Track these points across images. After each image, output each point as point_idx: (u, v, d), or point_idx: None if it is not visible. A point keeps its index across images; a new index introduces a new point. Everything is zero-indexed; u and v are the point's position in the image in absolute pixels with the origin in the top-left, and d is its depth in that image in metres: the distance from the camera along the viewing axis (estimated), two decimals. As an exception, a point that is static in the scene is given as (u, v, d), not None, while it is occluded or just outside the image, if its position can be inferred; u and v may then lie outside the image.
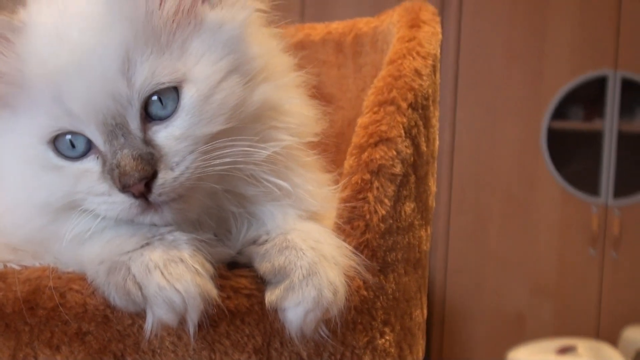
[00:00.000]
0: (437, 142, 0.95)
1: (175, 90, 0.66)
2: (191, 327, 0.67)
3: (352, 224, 0.79)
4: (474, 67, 3.25)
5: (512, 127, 3.25)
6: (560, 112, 3.23)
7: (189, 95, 0.67)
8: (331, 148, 0.84)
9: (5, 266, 0.71)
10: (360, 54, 1.09)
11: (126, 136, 0.65)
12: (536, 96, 3.24)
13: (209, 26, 0.69)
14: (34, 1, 0.70)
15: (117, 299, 0.67)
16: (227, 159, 0.69)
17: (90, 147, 0.67)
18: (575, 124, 3.31)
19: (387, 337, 0.83)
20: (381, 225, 0.80)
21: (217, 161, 0.68)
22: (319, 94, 0.84)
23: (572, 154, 3.34)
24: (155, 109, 0.66)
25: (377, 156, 0.81)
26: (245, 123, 0.71)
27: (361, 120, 0.84)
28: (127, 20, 0.65)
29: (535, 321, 3.30)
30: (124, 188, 0.65)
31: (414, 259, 0.88)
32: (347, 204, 0.79)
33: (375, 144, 0.82)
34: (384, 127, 0.82)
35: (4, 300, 0.66)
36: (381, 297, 0.81)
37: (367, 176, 0.80)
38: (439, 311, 3.36)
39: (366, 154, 0.81)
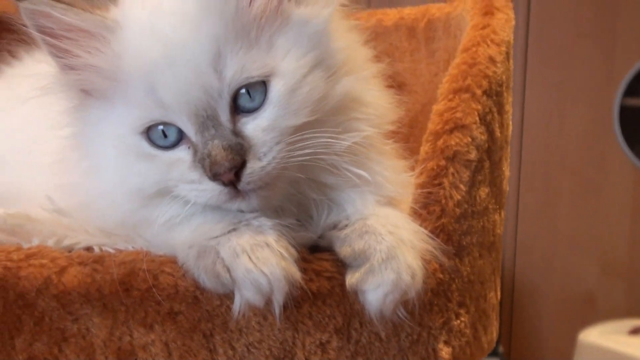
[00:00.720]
0: (510, 128, 0.97)
1: (263, 84, 0.69)
2: (277, 307, 0.71)
3: (428, 209, 0.81)
4: (543, 46, 3.19)
5: (582, 105, 3.18)
6: (633, 89, 3.17)
7: (276, 89, 0.70)
8: (406, 135, 0.87)
9: (100, 249, 0.75)
10: (433, 39, 1.11)
11: (217, 127, 0.69)
12: (608, 74, 3.15)
13: (295, 22, 0.71)
14: None
15: (206, 281, 0.71)
16: (310, 150, 0.72)
17: (181, 137, 0.71)
18: (647, 101, 3.24)
19: (463, 319, 0.85)
20: (456, 210, 0.83)
21: (301, 152, 0.71)
22: (392, 80, 0.86)
23: (644, 131, 3.27)
24: (244, 101, 0.70)
25: (453, 143, 0.83)
26: (328, 115, 0.74)
27: (436, 108, 0.86)
28: (218, 16, 0.68)
29: (606, 301, 3.22)
30: (215, 177, 0.69)
31: (488, 243, 0.91)
32: (423, 190, 0.82)
33: (451, 131, 0.84)
34: (459, 114, 0.85)
35: (101, 282, 0.70)
36: (457, 280, 0.84)
37: (443, 162, 0.83)
38: (508, 291, 3.32)
39: (441, 140, 0.84)
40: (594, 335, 2.80)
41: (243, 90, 0.69)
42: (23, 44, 0.79)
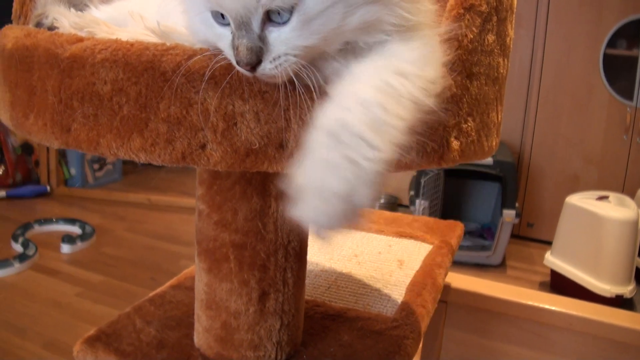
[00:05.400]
0: (515, 1, 0.81)
1: (292, 8, 0.55)
2: None
3: (449, 43, 0.68)
4: (558, 13, 3.18)
5: (581, 52, 3.17)
6: (612, 43, 3.07)
7: (296, 16, 0.55)
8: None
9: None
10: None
11: (248, 31, 0.56)
12: (597, 31, 3.11)
13: None
14: None
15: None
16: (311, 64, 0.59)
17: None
18: (621, 51, 3.08)
19: (470, 124, 0.73)
20: (469, 45, 0.70)
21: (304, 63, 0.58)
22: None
23: (618, 72, 3.14)
24: (274, 17, 0.56)
25: (470, -2, 0.70)
26: (344, 36, 0.59)
27: (461, -23, 0.72)
28: None
29: (585, 180, 3.26)
30: (238, 64, 0.57)
31: (493, 76, 0.77)
32: (446, 29, 0.69)
33: (470, -9, 0.70)
34: (476, -20, 0.71)
35: (214, 67, 0.61)
36: (466, 96, 0.71)
37: (462, 11, 0.69)
38: (526, 171, 3.47)
39: (462, -4, 0.70)
40: (575, 200, 2.81)
41: (274, 9, 0.55)
42: None
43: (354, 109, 0.54)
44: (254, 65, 0.57)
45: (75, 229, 3.12)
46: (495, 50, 0.76)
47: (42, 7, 0.88)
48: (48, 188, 3.71)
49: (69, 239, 2.91)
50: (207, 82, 0.60)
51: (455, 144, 0.71)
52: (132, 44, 0.62)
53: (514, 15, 0.82)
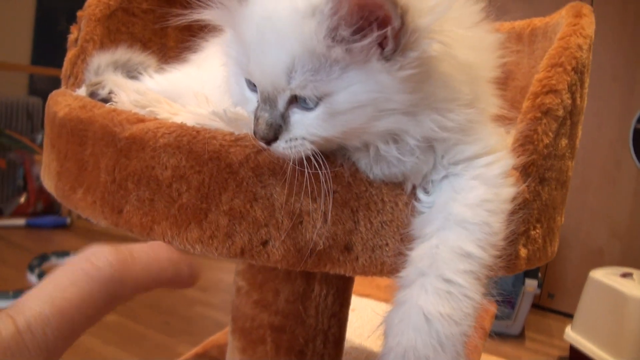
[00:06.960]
0: (585, 101, 0.78)
1: (321, 97, 0.53)
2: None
3: (524, 147, 0.65)
4: (590, 88, 3.15)
5: (611, 125, 3.11)
6: None
7: (322, 106, 0.53)
8: (508, 110, 0.69)
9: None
10: (534, 42, 0.93)
11: (272, 106, 0.55)
12: (628, 106, 3.07)
13: (371, 68, 0.50)
14: None
15: (381, 176, 0.59)
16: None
17: None
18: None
19: (538, 231, 0.69)
20: (544, 150, 0.66)
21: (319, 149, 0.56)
22: (502, 70, 0.70)
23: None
24: (301, 101, 0.54)
25: (547, 101, 0.67)
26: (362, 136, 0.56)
27: (537, 76, 0.69)
28: (299, 40, 0.50)
29: (609, 254, 3.15)
30: (254, 134, 0.56)
31: (562, 180, 0.73)
32: (522, 133, 0.65)
33: (546, 93, 0.67)
34: (553, 82, 0.68)
35: (284, 164, 0.57)
36: (537, 201, 0.67)
37: (539, 115, 0.66)
38: None
39: (539, 99, 0.67)
40: (599, 275, 2.74)
41: (303, 97, 0.54)
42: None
43: (420, 328, 0.53)
44: (270, 141, 0.55)
45: (92, 265, 3.08)
46: (567, 154, 0.72)
47: (95, 72, 0.84)
48: (68, 220, 3.69)
49: (85, 275, 2.87)
50: (276, 178, 0.57)
51: (523, 251, 0.66)
52: (198, 131, 0.59)
53: (583, 116, 0.78)
